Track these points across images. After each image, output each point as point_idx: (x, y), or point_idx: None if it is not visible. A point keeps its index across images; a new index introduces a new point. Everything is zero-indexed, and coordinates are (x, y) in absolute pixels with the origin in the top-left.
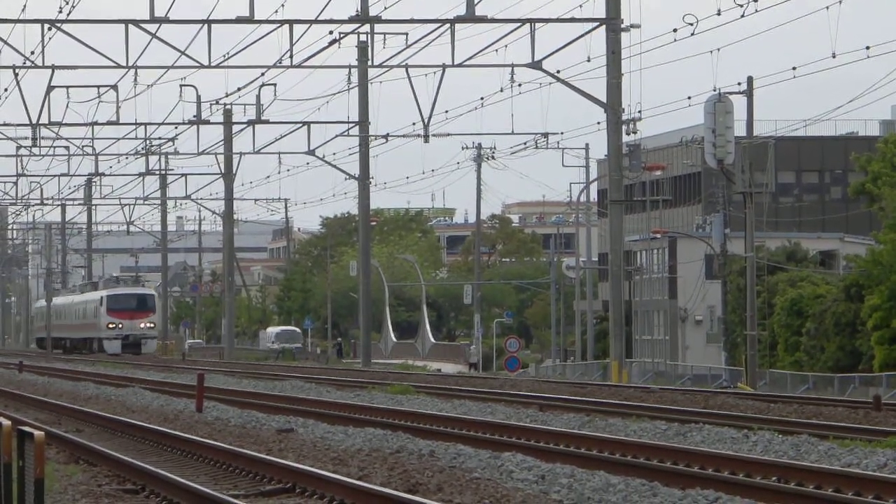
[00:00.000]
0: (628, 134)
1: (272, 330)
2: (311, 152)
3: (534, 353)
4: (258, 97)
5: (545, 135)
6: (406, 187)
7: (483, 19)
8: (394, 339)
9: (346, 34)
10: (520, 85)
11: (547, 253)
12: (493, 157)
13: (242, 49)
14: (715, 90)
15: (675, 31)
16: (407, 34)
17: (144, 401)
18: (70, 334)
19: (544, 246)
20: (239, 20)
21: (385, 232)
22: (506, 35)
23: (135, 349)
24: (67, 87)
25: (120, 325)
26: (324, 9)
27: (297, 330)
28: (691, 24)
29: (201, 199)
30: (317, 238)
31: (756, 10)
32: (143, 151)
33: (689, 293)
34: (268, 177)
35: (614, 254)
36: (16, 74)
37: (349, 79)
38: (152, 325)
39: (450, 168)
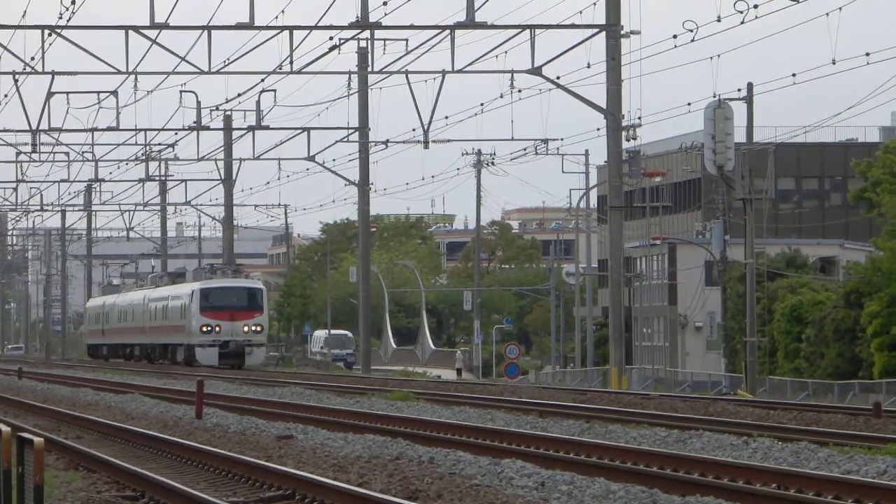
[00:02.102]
0: (628, 140)
1: (319, 334)
2: (310, 158)
3: (533, 359)
4: (258, 103)
5: (545, 141)
6: (406, 193)
7: (483, 25)
8: (393, 345)
9: (346, 40)
10: (520, 91)
11: (547, 259)
12: (492, 164)
13: (242, 55)
14: (715, 96)
15: (675, 37)
16: (407, 40)
17: (144, 407)
18: (141, 339)
19: (544, 252)
20: (239, 26)
21: (385, 238)
22: (506, 41)
23: (236, 360)
24: (67, 92)
25: (217, 329)
26: (324, 15)
27: (349, 334)
28: (691, 31)
29: (201, 204)
30: (317, 244)
31: (756, 17)
32: (143, 157)
33: (689, 300)
34: (267, 183)
35: (614, 260)
36: (16, 80)
37: (349, 85)
38: (260, 329)
39: (449, 174)
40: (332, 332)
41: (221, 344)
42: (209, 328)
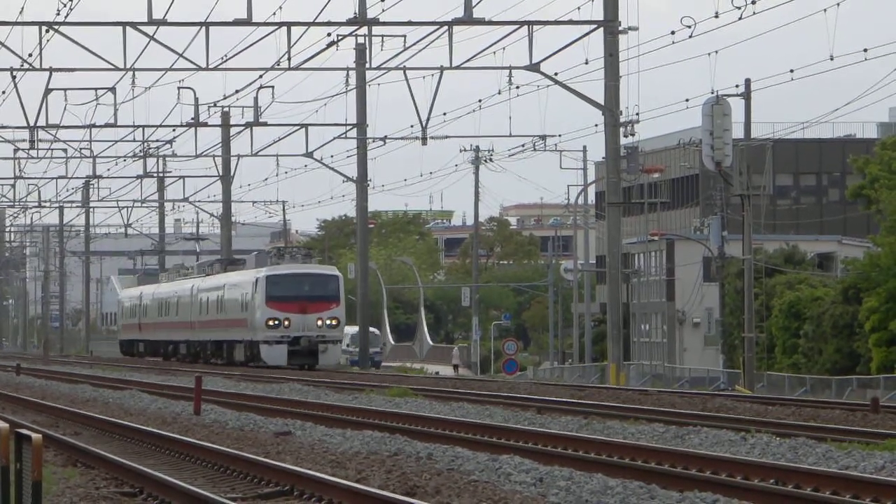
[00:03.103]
0: (626, 136)
1: (348, 330)
2: (309, 154)
3: (532, 355)
4: (256, 99)
5: (543, 137)
6: (404, 189)
7: (481, 21)
8: (392, 341)
9: (344, 36)
10: (518, 87)
11: (545, 255)
12: (491, 160)
13: (240, 51)
14: (713, 92)
15: (672, 33)
16: (405, 36)
17: (142, 403)
18: (189, 336)
19: (542, 248)
20: (237, 22)
21: (383, 234)
22: (504, 37)
23: (308, 358)
24: (65, 89)
25: (286, 323)
26: (321, 11)
27: (376, 331)
28: (689, 27)
29: (199, 201)
30: (314, 240)
31: (754, 13)
32: (141, 154)
33: (687, 295)
34: (266, 179)
35: (612, 256)
36: (13, 77)
37: (347, 81)
38: (336, 323)
39: (448, 170)
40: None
41: (291, 340)
42: (276, 322)
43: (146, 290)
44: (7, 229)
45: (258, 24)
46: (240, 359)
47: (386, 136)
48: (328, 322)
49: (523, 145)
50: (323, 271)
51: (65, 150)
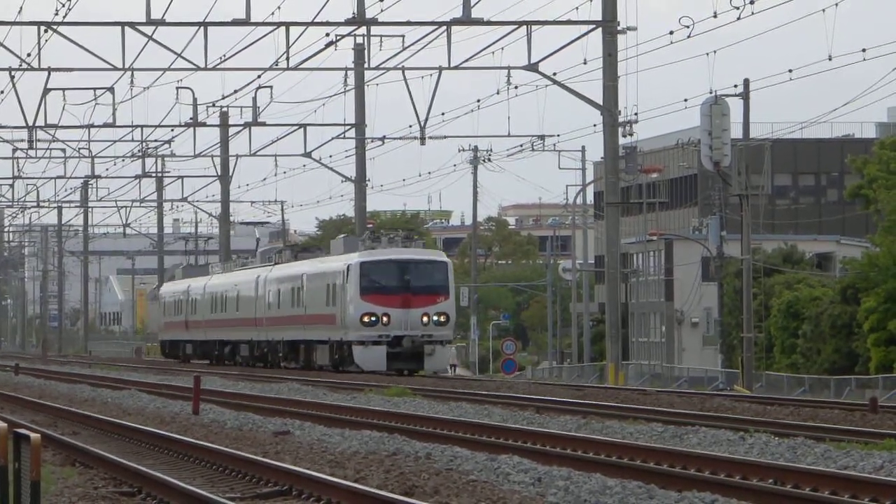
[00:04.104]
0: (625, 136)
1: None
2: (307, 154)
3: (530, 355)
4: (254, 99)
5: (541, 137)
6: (402, 189)
7: (479, 21)
8: None
9: (343, 36)
10: (516, 87)
11: (543, 255)
12: (489, 160)
13: (239, 51)
14: (711, 92)
15: (671, 33)
16: (403, 36)
17: (141, 403)
18: (254, 335)
19: (541, 248)
20: (235, 22)
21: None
22: (502, 37)
23: (411, 362)
24: (64, 89)
25: (385, 319)
26: (320, 11)
27: None
28: (688, 27)
29: (198, 201)
30: (313, 239)
31: (752, 13)
32: (140, 154)
33: (686, 295)
34: (264, 179)
35: (611, 256)
36: (12, 77)
37: (346, 81)
38: (445, 319)
39: (446, 170)
40: None
41: (391, 340)
42: (373, 318)
43: (195, 284)
44: (6, 229)
45: (257, 24)
46: (322, 362)
47: (384, 136)
48: (435, 318)
49: (522, 145)
50: (429, 256)
51: (63, 150)
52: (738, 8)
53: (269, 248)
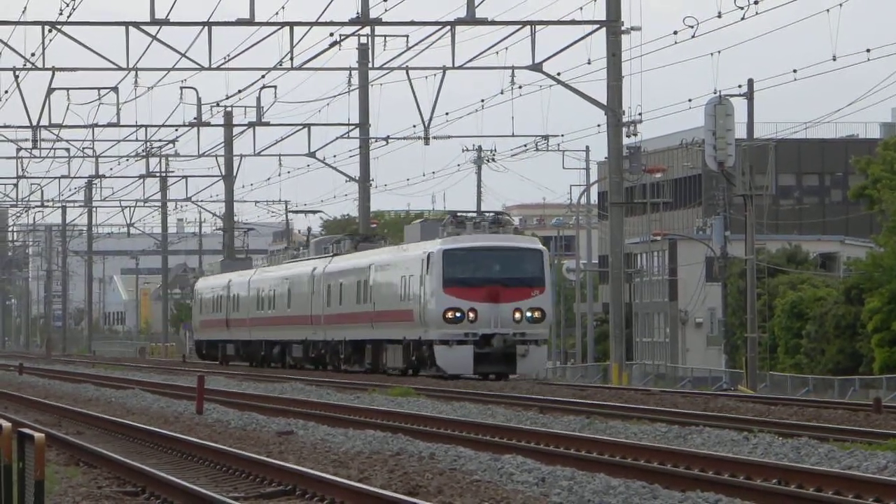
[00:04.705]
0: (629, 136)
1: None
2: (311, 154)
3: None
4: (258, 99)
5: (545, 137)
6: (406, 189)
7: (483, 21)
8: None
9: (347, 36)
10: (520, 87)
11: None
12: (493, 160)
13: (243, 51)
14: (715, 92)
15: (675, 33)
16: (407, 36)
17: (145, 403)
18: (313, 334)
19: None
20: (239, 22)
21: (386, 234)
22: (506, 37)
23: (502, 364)
24: (68, 88)
25: (471, 315)
26: (324, 11)
27: None
28: (692, 27)
29: (202, 201)
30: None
31: (756, 13)
32: (144, 153)
33: (690, 295)
34: (268, 179)
35: (615, 256)
36: (16, 76)
37: (349, 81)
38: (540, 316)
39: (450, 170)
40: None
41: (478, 339)
42: (458, 314)
43: (237, 278)
44: (10, 229)
45: (261, 24)
46: (394, 365)
47: (388, 136)
48: (529, 314)
49: (526, 145)
50: (522, 244)
51: (67, 150)
52: (742, 8)
53: (323, 238)
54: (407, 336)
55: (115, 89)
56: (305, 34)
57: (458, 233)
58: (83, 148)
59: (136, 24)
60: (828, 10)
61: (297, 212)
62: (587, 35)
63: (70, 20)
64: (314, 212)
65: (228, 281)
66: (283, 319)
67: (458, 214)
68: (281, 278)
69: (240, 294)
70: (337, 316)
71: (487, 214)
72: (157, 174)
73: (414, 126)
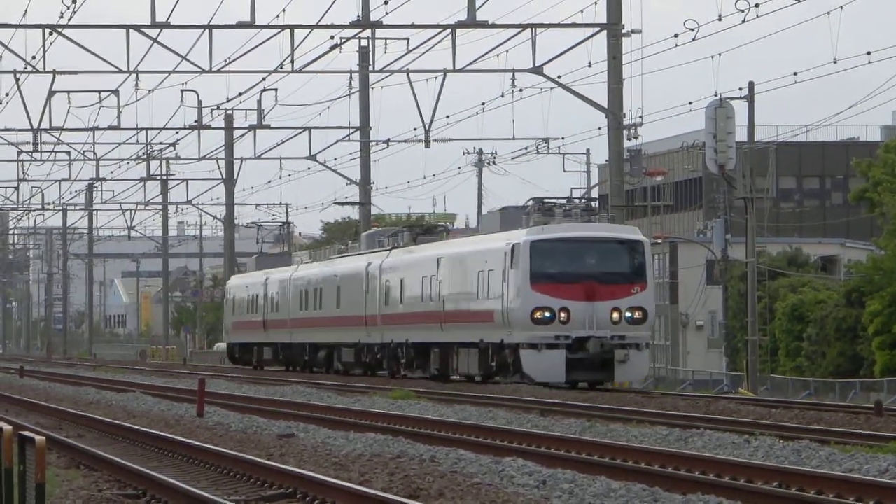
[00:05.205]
0: (629, 139)
1: None
2: (312, 157)
3: None
4: (259, 102)
5: (546, 140)
6: (407, 192)
7: (484, 24)
8: None
9: (348, 39)
10: (521, 90)
11: None
12: (494, 162)
13: (244, 54)
14: (716, 95)
15: (676, 36)
16: (408, 39)
17: (145, 406)
18: (367, 336)
19: None
20: (240, 25)
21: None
22: (507, 40)
23: (598, 372)
24: (68, 91)
25: (563, 315)
26: (325, 14)
27: None
28: (692, 30)
29: (202, 203)
30: (318, 243)
31: (757, 16)
32: (145, 156)
33: (690, 298)
34: (269, 182)
35: None
36: (17, 79)
37: (350, 84)
38: (640, 316)
39: (451, 173)
40: None
41: (571, 343)
42: (548, 314)
43: (276, 276)
44: (11, 232)
45: (261, 27)
46: (468, 371)
47: (389, 139)
48: (629, 314)
49: (526, 148)
50: (620, 233)
51: (68, 153)
52: (742, 11)
53: (376, 231)
54: (485, 339)
55: (115, 92)
56: (306, 37)
57: (546, 221)
58: (84, 151)
59: (137, 27)
60: (828, 13)
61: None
62: (588, 38)
63: (71, 23)
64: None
65: (266, 279)
66: (331, 320)
67: (546, 201)
68: (328, 275)
69: (279, 293)
70: (397, 316)
71: (578, 200)
72: (158, 177)
73: (415, 129)
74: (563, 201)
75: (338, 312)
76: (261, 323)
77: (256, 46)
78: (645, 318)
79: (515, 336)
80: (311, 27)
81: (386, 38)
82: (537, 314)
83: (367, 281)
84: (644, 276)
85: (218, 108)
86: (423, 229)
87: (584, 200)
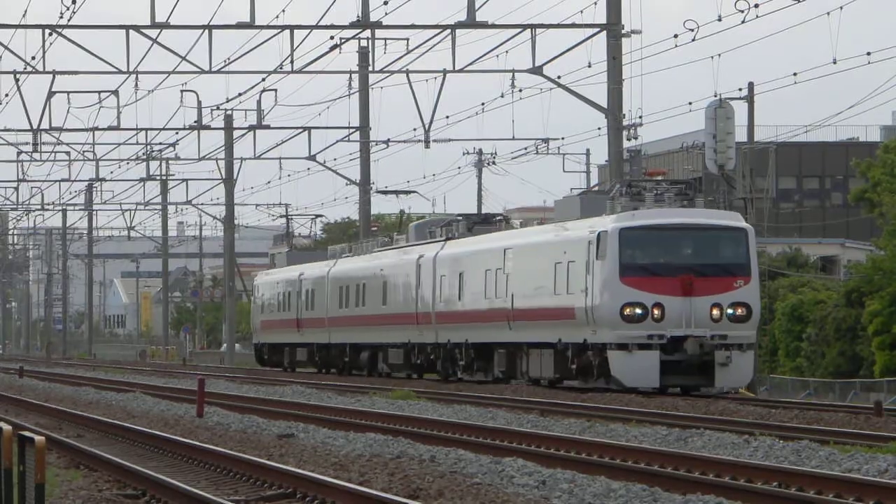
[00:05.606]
0: (629, 139)
1: None
2: (311, 157)
3: None
4: (259, 102)
5: (546, 140)
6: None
7: (484, 25)
8: None
9: (347, 40)
10: (520, 90)
11: None
12: (493, 163)
13: (243, 54)
14: (716, 95)
15: (675, 36)
16: (408, 39)
17: (145, 406)
18: (418, 335)
19: None
20: (240, 25)
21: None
22: (507, 40)
23: (696, 377)
24: (68, 92)
25: (656, 312)
26: (324, 14)
27: None
28: (692, 30)
29: (202, 204)
30: (318, 243)
31: (757, 16)
32: (144, 157)
33: None
34: (268, 182)
35: None
36: (17, 80)
37: (350, 84)
38: (744, 313)
39: (451, 173)
40: None
41: (667, 343)
42: (640, 311)
43: (311, 271)
44: (10, 232)
45: (261, 28)
46: (541, 374)
47: (389, 139)
48: (731, 311)
49: (526, 148)
50: (721, 220)
51: (68, 153)
52: (742, 11)
53: (426, 220)
54: (563, 338)
55: (115, 93)
56: (306, 37)
57: (635, 206)
58: (84, 151)
59: (137, 28)
60: (828, 14)
61: (298, 215)
62: (587, 38)
63: (70, 23)
64: (316, 216)
65: (299, 275)
66: (376, 318)
67: (634, 184)
68: (373, 269)
69: (316, 290)
70: (455, 314)
71: (668, 184)
72: (158, 177)
73: (414, 129)
74: (653, 183)
75: (384, 310)
76: (294, 322)
77: (256, 47)
78: (749, 316)
79: (602, 335)
80: (311, 27)
81: (386, 39)
82: (627, 311)
83: (419, 275)
84: (748, 268)
85: (218, 108)
86: (480, 218)
87: (676, 184)
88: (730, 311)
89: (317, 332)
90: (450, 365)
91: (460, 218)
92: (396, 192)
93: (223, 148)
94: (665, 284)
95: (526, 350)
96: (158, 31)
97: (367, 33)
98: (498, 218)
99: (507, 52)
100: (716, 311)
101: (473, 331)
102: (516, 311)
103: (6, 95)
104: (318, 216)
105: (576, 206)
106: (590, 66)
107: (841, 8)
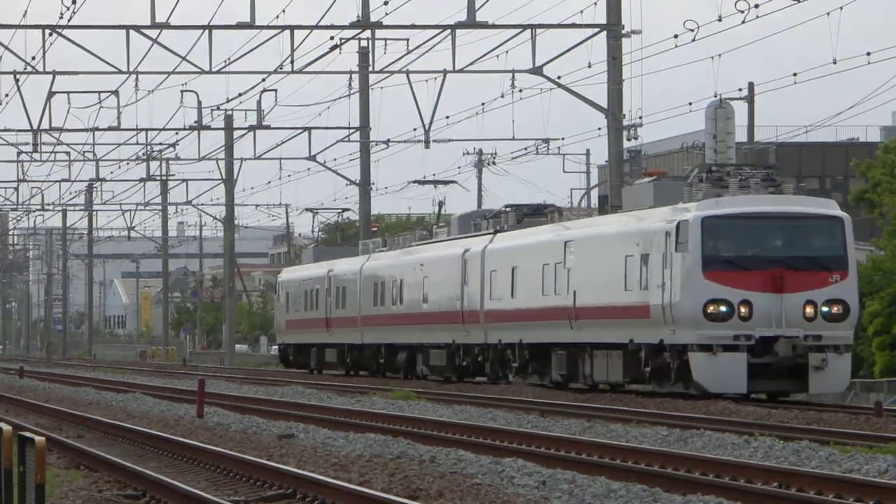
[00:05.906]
0: (629, 139)
1: None
2: (312, 158)
3: None
4: (259, 103)
5: (546, 140)
6: (407, 193)
7: (484, 25)
8: None
9: (347, 40)
10: (521, 90)
11: None
12: (494, 163)
13: (243, 55)
14: (716, 96)
15: (676, 36)
16: (408, 40)
17: (145, 406)
18: (465, 335)
19: None
20: (240, 26)
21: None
22: (507, 41)
23: (787, 381)
24: (68, 92)
25: (743, 310)
26: (325, 14)
27: None
28: (692, 30)
29: (202, 204)
30: (322, 242)
31: (757, 16)
32: (144, 157)
33: None
34: (269, 182)
35: None
36: (17, 80)
37: (350, 84)
38: (840, 312)
39: (451, 173)
40: None
41: (754, 344)
42: (725, 309)
43: (342, 267)
44: (10, 232)
45: (261, 28)
46: (611, 377)
47: (389, 140)
48: (826, 309)
49: (526, 148)
50: (815, 208)
51: (68, 154)
52: (742, 11)
53: (471, 212)
54: (636, 339)
55: (115, 93)
56: (306, 37)
57: (718, 193)
58: (84, 151)
59: (137, 28)
60: (828, 14)
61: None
62: (588, 38)
63: (70, 24)
64: (343, 210)
65: (328, 271)
66: (415, 317)
67: (714, 168)
68: (411, 265)
69: (347, 287)
70: (508, 312)
71: (752, 170)
72: (158, 178)
73: (414, 129)
74: (737, 169)
75: (424, 308)
76: (323, 321)
77: (256, 47)
78: (846, 314)
79: (682, 335)
80: (311, 28)
81: (386, 39)
82: (711, 308)
83: (465, 271)
84: (845, 262)
85: (218, 108)
86: (532, 209)
87: (759, 168)
88: (825, 308)
89: (348, 332)
90: (500, 367)
91: (508, 209)
92: (434, 183)
93: (223, 148)
94: (753, 279)
95: (590, 351)
96: (158, 31)
97: (367, 33)
98: (550, 209)
99: (507, 52)
100: (809, 310)
101: (528, 330)
102: (579, 309)
103: (6, 95)
104: (344, 210)
105: (648, 194)
106: (590, 67)
107: (841, 8)
